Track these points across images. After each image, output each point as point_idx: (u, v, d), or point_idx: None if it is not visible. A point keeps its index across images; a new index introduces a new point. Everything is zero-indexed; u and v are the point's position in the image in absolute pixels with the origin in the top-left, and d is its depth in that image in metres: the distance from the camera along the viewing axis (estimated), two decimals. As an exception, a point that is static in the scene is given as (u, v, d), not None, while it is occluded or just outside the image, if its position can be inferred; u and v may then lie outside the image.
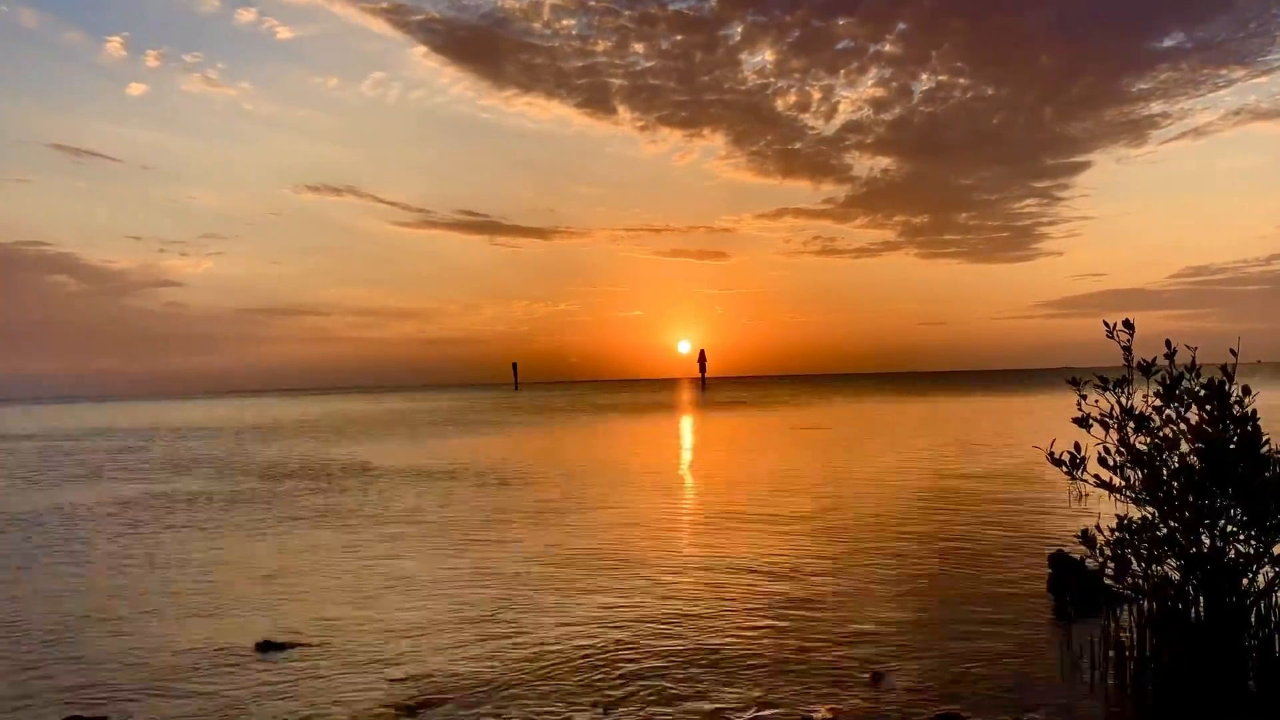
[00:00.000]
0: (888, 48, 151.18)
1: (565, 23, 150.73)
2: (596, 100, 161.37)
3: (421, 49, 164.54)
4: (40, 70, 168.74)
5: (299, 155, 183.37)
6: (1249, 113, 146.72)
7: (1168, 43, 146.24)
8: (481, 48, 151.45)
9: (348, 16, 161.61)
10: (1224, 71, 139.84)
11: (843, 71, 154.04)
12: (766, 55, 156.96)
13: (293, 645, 7.77)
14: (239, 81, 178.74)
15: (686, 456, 26.50)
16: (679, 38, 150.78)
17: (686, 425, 42.90)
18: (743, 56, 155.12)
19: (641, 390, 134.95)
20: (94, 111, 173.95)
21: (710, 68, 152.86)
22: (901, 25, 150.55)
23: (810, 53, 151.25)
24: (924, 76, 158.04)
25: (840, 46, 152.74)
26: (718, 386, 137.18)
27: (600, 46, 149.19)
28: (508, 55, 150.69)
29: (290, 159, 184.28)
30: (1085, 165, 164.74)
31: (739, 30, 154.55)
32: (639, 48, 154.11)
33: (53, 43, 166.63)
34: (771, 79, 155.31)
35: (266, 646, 7.71)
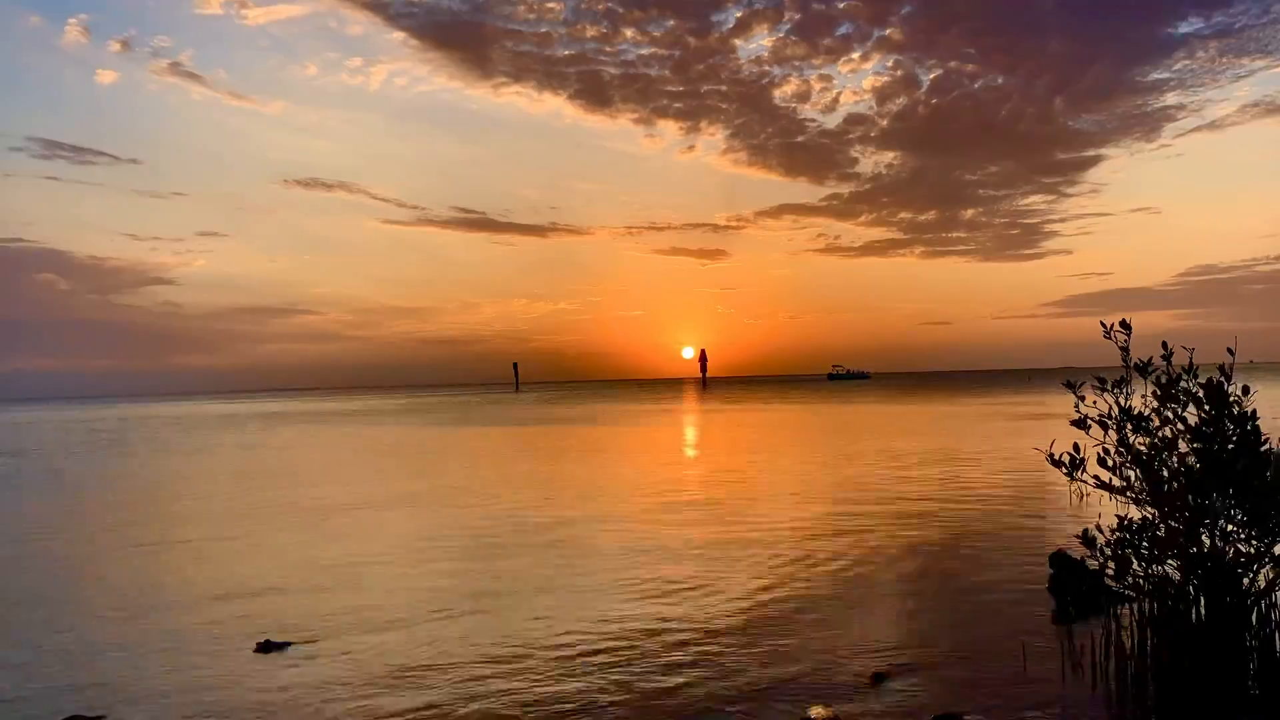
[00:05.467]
0: (891, 32, 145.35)
1: (551, 6, 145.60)
2: (590, 91, 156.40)
3: (400, 35, 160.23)
4: (6, 57, 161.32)
5: (284, 149, 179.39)
6: (1266, 105, 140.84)
7: (1184, 29, 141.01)
8: (465, 33, 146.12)
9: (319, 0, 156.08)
10: (1244, 61, 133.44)
11: (844, 59, 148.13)
12: (763, 41, 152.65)
13: (293, 644, 7.78)
14: (212, 69, 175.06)
15: (687, 457, 26.50)
16: (670, 23, 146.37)
17: (689, 426, 42.90)
18: (737, 42, 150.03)
19: (645, 391, 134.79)
20: (68, 101, 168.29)
21: (704, 55, 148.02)
22: (906, 8, 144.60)
23: (809, 38, 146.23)
24: (930, 63, 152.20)
25: (841, 31, 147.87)
26: (718, 386, 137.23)
27: (589, 32, 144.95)
28: (492, 41, 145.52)
29: (276, 153, 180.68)
30: (1096, 160, 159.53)
31: (733, 14, 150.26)
32: (629, 33, 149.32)
33: (13, 27, 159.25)
34: (769, 67, 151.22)
35: (267, 646, 7.72)
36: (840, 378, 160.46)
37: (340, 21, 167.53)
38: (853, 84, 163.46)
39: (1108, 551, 6.81)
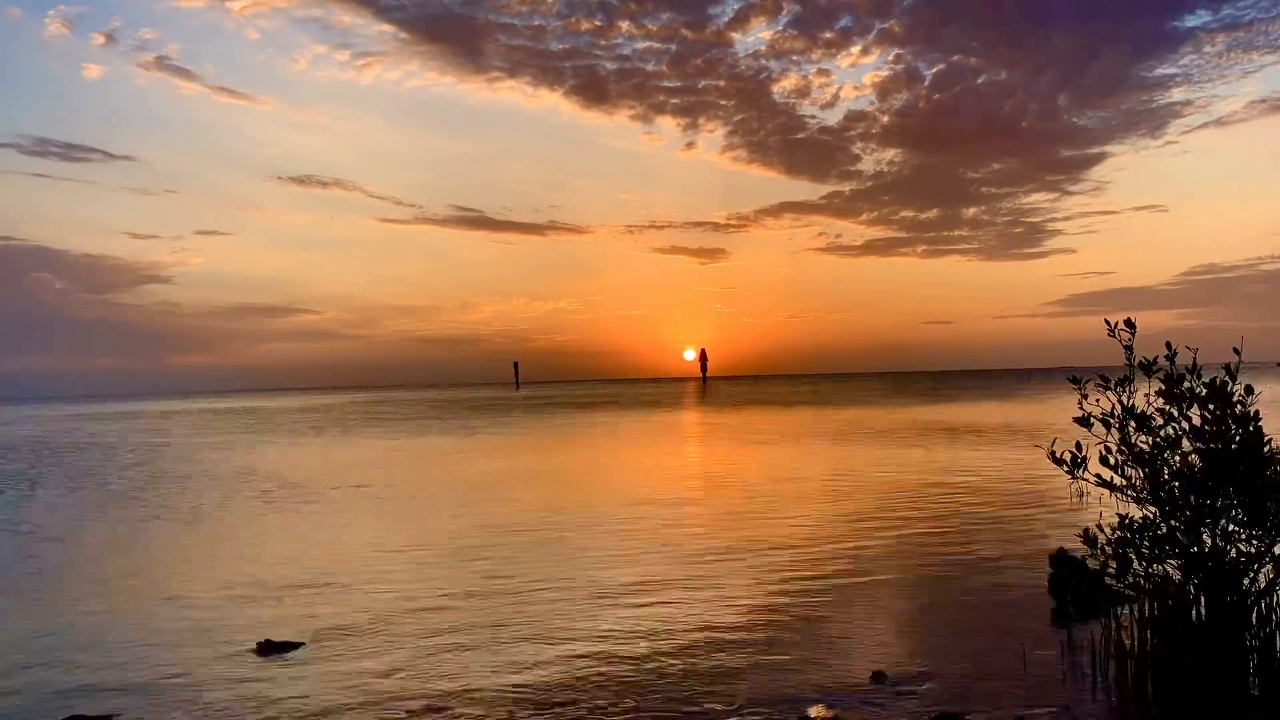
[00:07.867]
0: (892, 25, 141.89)
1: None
2: (586, 87, 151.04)
3: (389, 28, 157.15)
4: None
5: (278, 145, 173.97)
6: (1274, 102, 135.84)
7: (1191, 22, 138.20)
8: (456, 27, 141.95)
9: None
10: (1253, 56, 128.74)
11: (844, 53, 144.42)
12: (761, 34, 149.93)
13: (294, 645, 7.77)
14: (201, 63, 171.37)
15: (687, 456, 26.49)
16: (666, 16, 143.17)
17: (691, 426, 42.91)
18: (735, 36, 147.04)
19: (646, 390, 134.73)
20: (55, 97, 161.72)
21: (702, 49, 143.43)
22: (907, 0, 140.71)
23: (808, 32, 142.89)
24: (932, 57, 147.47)
25: (840, 25, 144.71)
26: (718, 385, 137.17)
27: (584, 25, 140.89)
28: (485, 35, 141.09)
29: (270, 149, 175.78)
30: (1101, 157, 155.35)
31: (730, 7, 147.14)
32: (624, 26, 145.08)
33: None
34: (767, 61, 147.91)
35: (268, 646, 7.71)
36: None
37: (328, 13, 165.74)
38: (853, 79, 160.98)
39: (1108, 551, 6.80)
